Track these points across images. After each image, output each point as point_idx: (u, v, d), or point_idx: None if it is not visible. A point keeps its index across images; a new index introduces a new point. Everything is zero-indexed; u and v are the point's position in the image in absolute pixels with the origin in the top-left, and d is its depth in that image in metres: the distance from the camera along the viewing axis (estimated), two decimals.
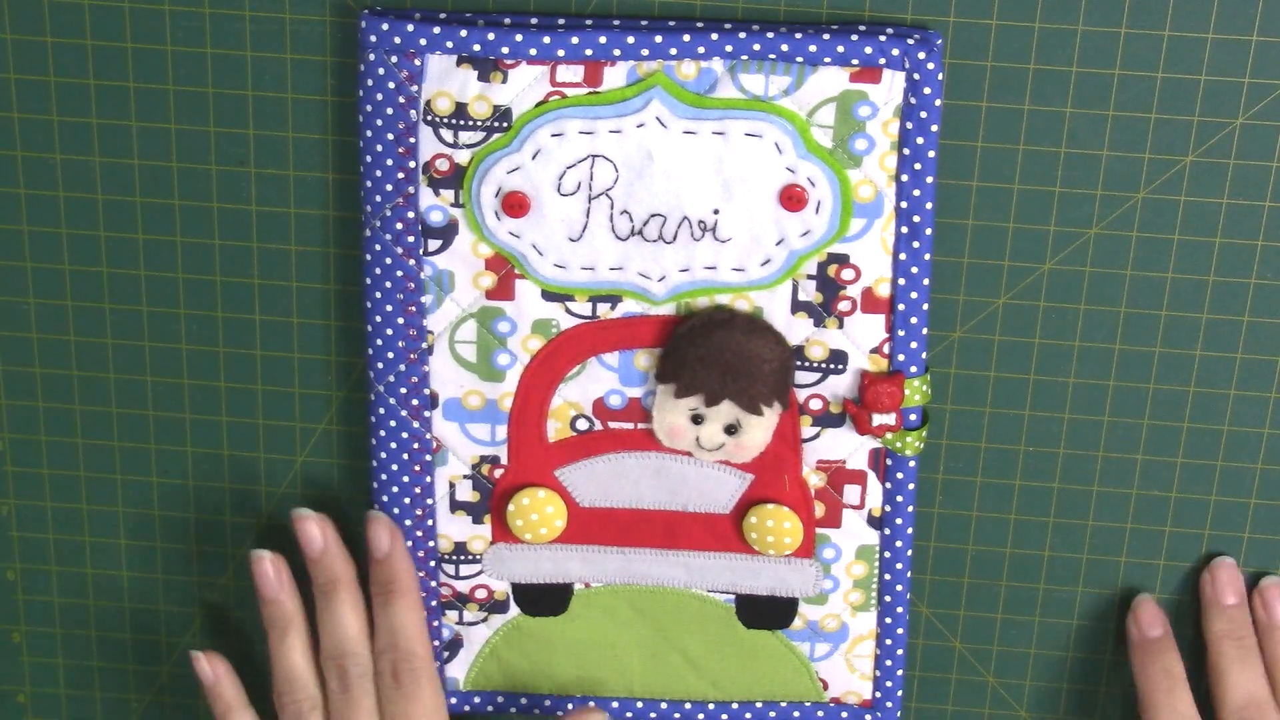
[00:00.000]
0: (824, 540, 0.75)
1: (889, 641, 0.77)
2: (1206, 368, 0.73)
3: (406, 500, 0.75)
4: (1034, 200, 0.71)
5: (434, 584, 0.77)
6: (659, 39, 0.67)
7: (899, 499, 0.74)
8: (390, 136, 0.69)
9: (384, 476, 0.75)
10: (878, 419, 0.71)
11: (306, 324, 0.75)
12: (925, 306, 0.71)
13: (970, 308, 0.73)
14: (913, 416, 0.72)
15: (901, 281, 0.70)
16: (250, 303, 0.75)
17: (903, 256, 0.70)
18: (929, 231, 0.69)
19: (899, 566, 0.75)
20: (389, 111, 0.69)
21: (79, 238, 0.74)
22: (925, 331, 0.71)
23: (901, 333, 0.71)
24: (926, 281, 0.70)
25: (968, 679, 0.80)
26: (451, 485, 0.75)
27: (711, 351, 0.70)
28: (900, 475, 0.73)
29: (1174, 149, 0.70)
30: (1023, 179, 0.71)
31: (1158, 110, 0.69)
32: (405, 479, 0.75)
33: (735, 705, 0.79)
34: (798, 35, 0.67)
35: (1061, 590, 0.77)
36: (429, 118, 0.69)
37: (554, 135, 0.68)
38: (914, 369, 0.71)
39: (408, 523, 0.75)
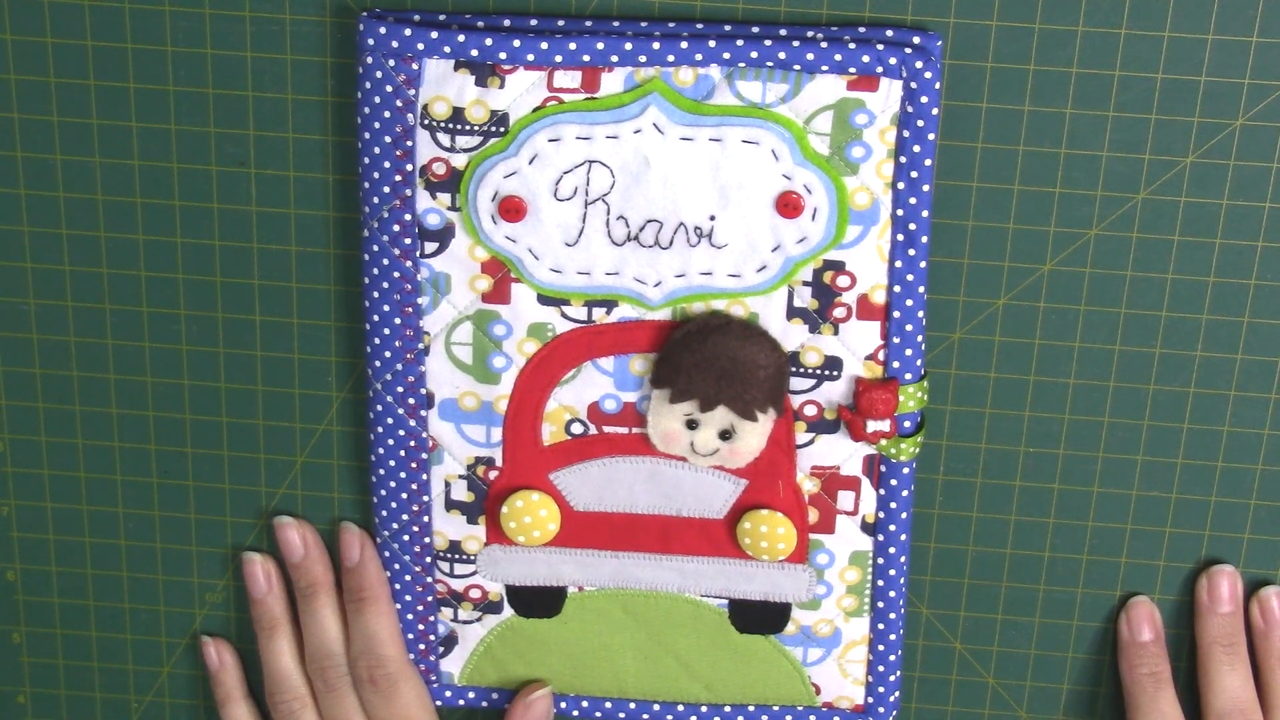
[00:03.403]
0: (817, 546, 0.75)
1: (882, 647, 0.77)
2: (1206, 369, 0.73)
3: (403, 496, 0.75)
4: (1034, 201, 0.71)
5: (429, 580, 0.77)
6: (656, 45, 0.67)
7: (893, 505, 0.74)
8: (388, 139, 0.69)
9: (381, 472, 0.75)
10: (872, 425, 0.71)
11: (306, 325, 0.75)
12: (921, 314, 0.71)
13: (970, 309, 0.73)
14: (907, 423, 0.72)
15: (897, 289, 0.70)
16: (250, 303, 0.75)
17: (898, 264, 0.70)
18: (925, 239, 0.69)
19: (893, 572, 0.75)
20: (387, 114, 0.69)
21: (79, 238, 0.75)
22: (921, 338, 0.71)
23: (897, 339, 0.71)
24: (922, 289, 0.70)
25: (968, 680, 0.79)
26: (447, 484, 0.75)
27: (707, 357, 0.70)
28: (894, 481, 0.73)
29: (1174, 150, 0.70)
30: (1023, 180, 0.71)
31: (1158, 111, 0.69)
32: (402, 475, 0.75)
33: (728, 708, 0.79)
34: (795, 43, 0.67)
35: (1061, 591, 0.77)
36: (426, 121, 0.69)
37: (551, 140, 0.68)
38: (909, 376, 0.71)
39: (404, 518, 0.75)
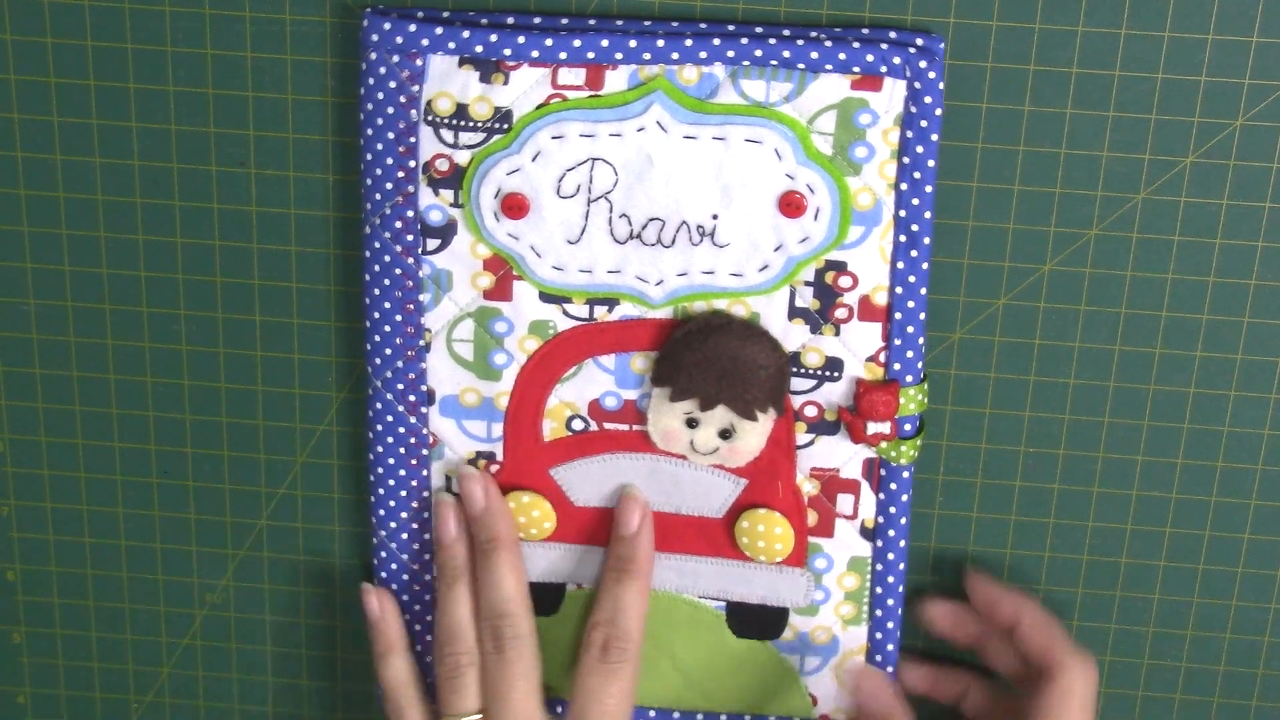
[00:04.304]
0: (816, 550, 0.75)
1: (880, 657, 0.76)
2: (1207, 369, 0.73)
3: (402, 494, 0.75)
4: (1034, 201, 0.71)
5: (426, 579, 0.77)
6: (661, 43, 0.67)
7: (892, 510, 0.73)
8: (391, 135, 0.69)
9: (380, 470, 0.75)
10: (872, 428, 0.71)
11: (307, 325, 0.75)
12: (922, 315, 0.70)
13: (970, 309, 0.73)
14: (908, 426, 0.72)
15: (899, 290, 0.70)
16: (250, 303, 0.75)
17: (900, 265, 0.70)
18: (927, 240, 0.69)
19: (891, 579, 0.75)
20: (390, 111, 0.69)
21: (79, 238, 0.75)
22: (922, 340, 0.71)
23: (898, 341, 0.71)
24: (924, 290, 0.70)
25: None
26: (448, 479, 0.75)
27: (708, 356, 0.70)
28: (894, 485, 0.73)
29: (1174, 150, 0.70)
30: (1023, 180, 0.71)
31: (1158, 111, 0.69)
32: (401, 473, 0.75)
33: (724, 717, 0.78)
34: (799, 42, 0.67)
35: (1061, 591, 0.77)
36: (430, 118, 0.69)
37: (554, 138, 0.68)
38: (910, 378, 0.71)
39: (403, 515, 0.75)
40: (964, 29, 0.68)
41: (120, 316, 0.76)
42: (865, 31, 0.68)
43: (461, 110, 0.68)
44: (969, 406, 0.74)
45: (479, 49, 0.68)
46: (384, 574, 0.77)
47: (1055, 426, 0.74)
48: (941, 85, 0.67)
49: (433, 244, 0.71)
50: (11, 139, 0.73)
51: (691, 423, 0.72)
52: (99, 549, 0.80)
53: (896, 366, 0.71)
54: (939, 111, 0.68)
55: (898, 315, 0.70)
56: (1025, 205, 0.71)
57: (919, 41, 0.67)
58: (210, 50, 0.71)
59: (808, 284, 0.70)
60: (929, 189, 0.69)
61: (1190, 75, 0.68)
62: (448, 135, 0.69)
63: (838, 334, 0.71)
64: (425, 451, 0.74)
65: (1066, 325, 0.73)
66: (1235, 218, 0.71)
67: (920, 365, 0.71)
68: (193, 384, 0.77)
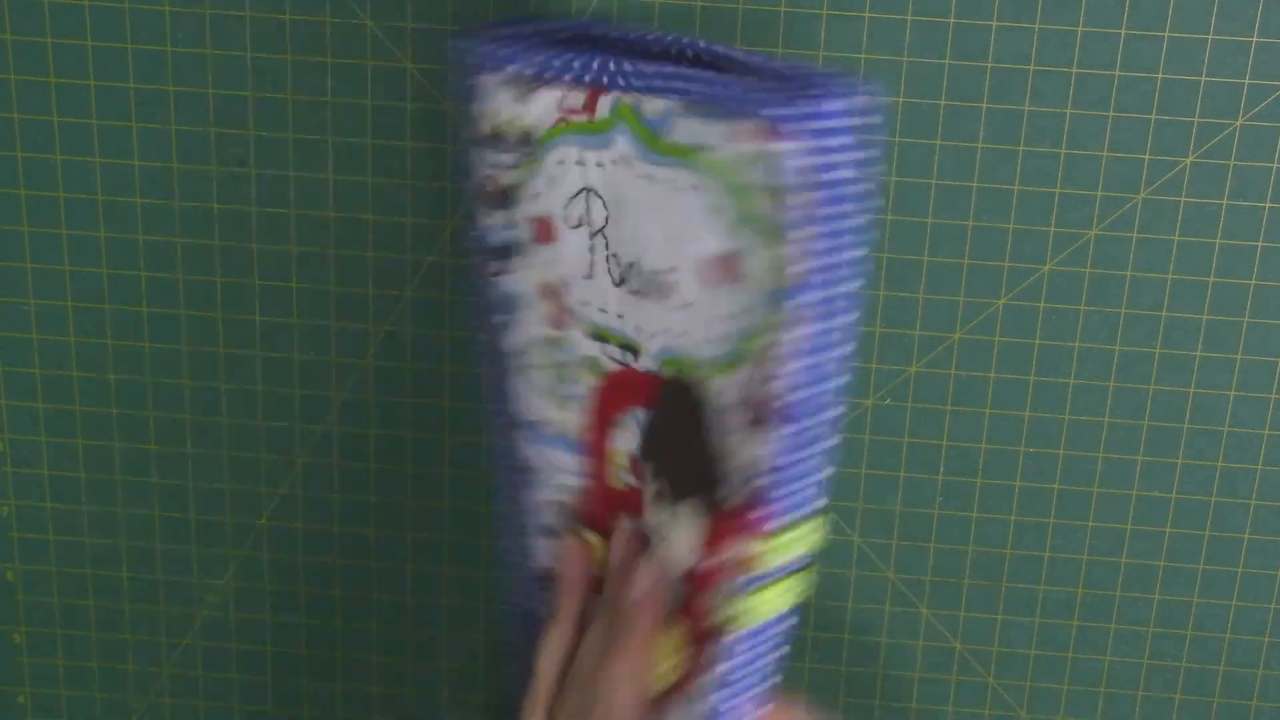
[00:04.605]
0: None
1: None
2: (1207, 369, 0.73)
3: (506, 518, 0.70)
4: (1034, 201, 0.71)
5: (528, 604, 0.71)
6: (612, 66, 0.59)
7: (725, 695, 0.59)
8: (464, 156, 0.65)
9: (498, 494, 0.70)
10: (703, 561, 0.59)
11: (307, 325, 0.75)
12: (798, 461, 0.56)
13: (970, 309, 0.73)
14: (759, 574, 0.58)
15: (797, 395, 0.56)
16: (250, 303, 0.75)
17: (801, 363, 0.56)
18: (837, 331, 0.56)
19: None
20: (462, 131, 0.65)
21: (79, 238, 0.75)
22: (806, 486, 0.57)
23: (780, 456, 0.56)
24: (827, 395, 0.57)
25: (968, 680, 0.80)
26: (538, 508, 0.69)
27: (662, 418, 0.62)
28: (726, 659, 0.59)
29: (1174, 150, 0.70)
30: (1023, 180, 0.71)
31: (1158, 111, 0.69)
32: (504, 497, 0.70)
33: None
34: (721, 81, 0.56)
35: (1061, 591, 0.77)
36: (479, 137, 0.64)
37: (558, 163, 0.62)
38: (778, 512, 0.57)
39: (507, 540, 0.71)
40: (964, 29, 0.68)
41: (120, 316, 0.76)
42: (818, 73, 0.57)
43: (498, 130, 0.63)
44: (969, 406, 0.74)
45: (510, 69, 0.62)
46: (507, 598, 0.72)
47: (1055, 426, 0.75)
48: (854, 142, 0.55)
49: (497, 266, 0.66)
50: (11, 139, 0.73)
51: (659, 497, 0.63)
52: (99, 549, 0.80)
53: (771, 496, 0.57)
54: (848, 174, 0.55)
55: (789, 425, 0.56)
56: (1025, 205, 0.71)
57: (841, 88, 0.55)
58: (210, 50, 0.71)
59: (752, 365, 0.58)
60: (843, 269, 0.55)
61: (1190, 75, 0.68)
62: (491, 155, 0.64)
63: (756, 433, 0.58)
64: (520, 476, 0.69)
65: (1066, 325, 0.73)
66: (1235, 218, 0.71)
67: (802, 511, 0.58)
68: (193, 384, 0.77)
